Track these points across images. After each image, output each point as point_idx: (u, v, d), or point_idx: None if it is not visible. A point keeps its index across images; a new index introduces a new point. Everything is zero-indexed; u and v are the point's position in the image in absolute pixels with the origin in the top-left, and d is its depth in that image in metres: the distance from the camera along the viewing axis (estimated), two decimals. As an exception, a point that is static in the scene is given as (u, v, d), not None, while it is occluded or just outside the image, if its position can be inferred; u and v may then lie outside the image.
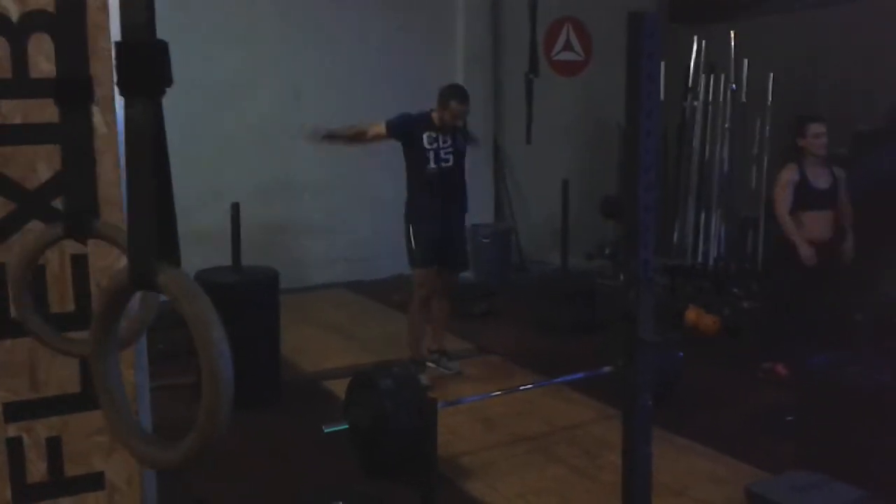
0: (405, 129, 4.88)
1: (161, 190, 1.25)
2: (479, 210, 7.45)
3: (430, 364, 5.13)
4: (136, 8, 1.14)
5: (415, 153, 4.88)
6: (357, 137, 5.08)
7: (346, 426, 3.72)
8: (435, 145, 4.84)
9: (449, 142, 4.87)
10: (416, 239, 4.91)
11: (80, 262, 2.10)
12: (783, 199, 5.06)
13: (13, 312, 1.61)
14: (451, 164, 4.88)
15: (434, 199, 4.87)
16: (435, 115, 4.90)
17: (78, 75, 1.40)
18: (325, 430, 3.69)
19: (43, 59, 2.03)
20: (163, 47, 1.16)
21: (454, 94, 4.87)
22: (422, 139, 4.84)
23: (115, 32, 2.06)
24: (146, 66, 1.15)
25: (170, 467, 1.18)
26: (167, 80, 1.17)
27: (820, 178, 5.08)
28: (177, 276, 1.15)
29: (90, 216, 1.50)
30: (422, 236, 4.88)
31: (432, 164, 4.85)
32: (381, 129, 4.94)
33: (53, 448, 2.10)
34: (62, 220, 1.50)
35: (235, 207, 4.78)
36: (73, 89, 1.46)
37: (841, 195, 5.09)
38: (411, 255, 4.98)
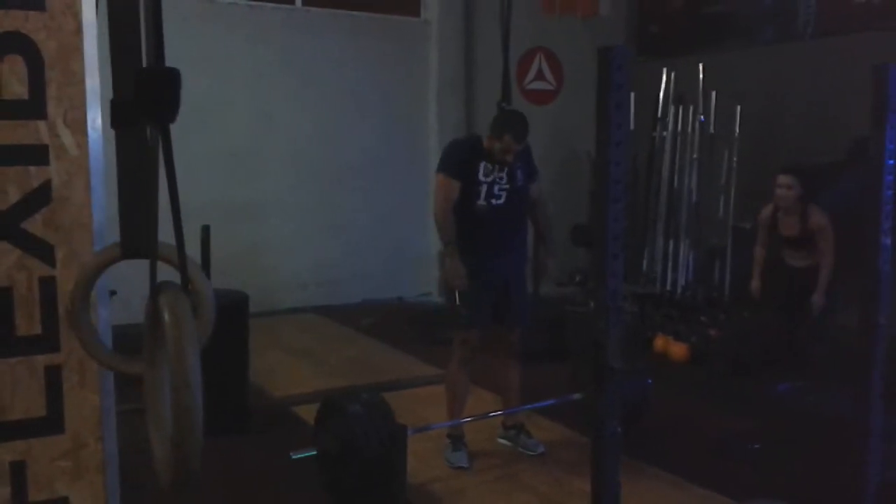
0: (463, 164, 4.08)
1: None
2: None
3: (504, 442, 4.46)
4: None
5: (464, 185, 4.08)
6: (447, 214, 4.08)
7: (315, 452, 3.69)
8: (490, 178, 4.08)
9: (504, 177, 4.10)
10: (461, 294, 4.12)
11: (47, 285, 2.09)
12: (759, 233, 5.49)
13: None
14: (502, 201, 4.08)
15: (482, 242, 4.10)
16: (487, 144, 4.15)
17: (131, 97, 1.36)
18: (293, 457, 3.66)
19: (16, 80, 2.02)
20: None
21: (512, 129, 4.05)
22: (478, 170, 4.07)
23: (90, 55, 2.07)
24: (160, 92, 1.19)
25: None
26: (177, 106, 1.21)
27: (787, 226, 5.27)
28: (173, 297, 1.18)
29: (150, 238, 1.48)
30: (469, 292, 4.09)
31: (481, 200, 4.06)
32: (442, 184, 4.10)
33: (17, 473, 2.07)
34: (120, 242, 1.51)
35: (206, 230, 4.75)
36: (128, 111, 1.42)
37: (818, 244, 5.17)
38: (455, 313, 4.21)
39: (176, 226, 1.25)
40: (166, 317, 1.16)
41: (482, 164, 4.08)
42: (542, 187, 4.41)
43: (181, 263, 1.28)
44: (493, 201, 4.09)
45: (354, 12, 8.01)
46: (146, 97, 1.16)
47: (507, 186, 4.12)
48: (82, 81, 2.08)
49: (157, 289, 1.21)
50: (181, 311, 1.16)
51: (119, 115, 1.37)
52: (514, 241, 4.25)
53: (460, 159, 4.11)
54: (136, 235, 1.44)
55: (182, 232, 1.29)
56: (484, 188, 4.07)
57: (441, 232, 4.13)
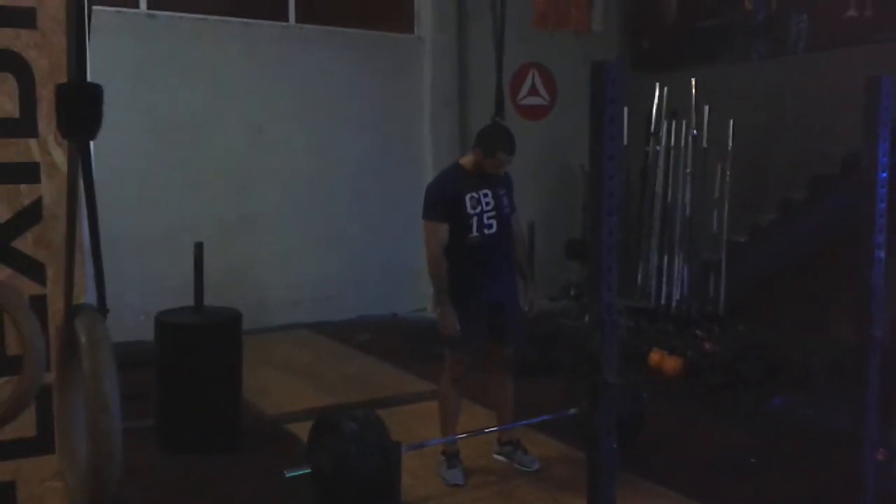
0: (448, 207, 4.07)
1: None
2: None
3: (500, 458, 4.43)
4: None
5: (454, 219, 4.08)
6: (439, 260, 4.07)
7: (309, 470, 3.67)
8: (478, 208, 4.07)
9: (491, 203, 4.11)
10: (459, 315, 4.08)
11: (38, 304, 2.07)
12: None
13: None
14: (494, 230, 4.10)
15: (476, 270, 4.11)
16: (467, 161, 4.19)
17: None
18: (287, 475, 3.63)
19: (6, 98, 2.02)
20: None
21: (503, 145, 4.06)
22: (464, 203, 4.06)
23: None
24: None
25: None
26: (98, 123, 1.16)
27: None
28: (89, 320, 1.13)
29: None
30: (463, 316, 4.08)
31: (474, 232, 4.07)
32: (429, 230, 4.09)
33: (7, 493, 2.05)
34: None
35: (199, 247, 4.73)
36: None
37: None
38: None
39: (94, 251, 1.21)
40: (83, 339, 1.12)
41: (468, 197, 4.07)
42: (519, 222, 4.43)
43: (99, 285, 1.24)
44: (486, 231, 4.10)
45: (348, 29, 8.03)
46: (67, 113, 1.14)
47: (495, 213, 4.13)
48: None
49: (72, 312, 1.17)
50: (98, 334, 1.12)
51: None
52: (505, 263, 4.27)
53: (443, 200, 4.09)
54: None
55: (100, 256, 1.24)
56: (475, 220, 4.07)
57: (433, 280, 4.13)
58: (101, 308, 1.22)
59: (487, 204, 4.11)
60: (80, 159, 1.15)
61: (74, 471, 1.21)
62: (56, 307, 2.06)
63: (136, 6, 7.04)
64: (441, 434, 4.30)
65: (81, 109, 1.14)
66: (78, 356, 1.16)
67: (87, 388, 1.07)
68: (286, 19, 7.81)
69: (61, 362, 1.25)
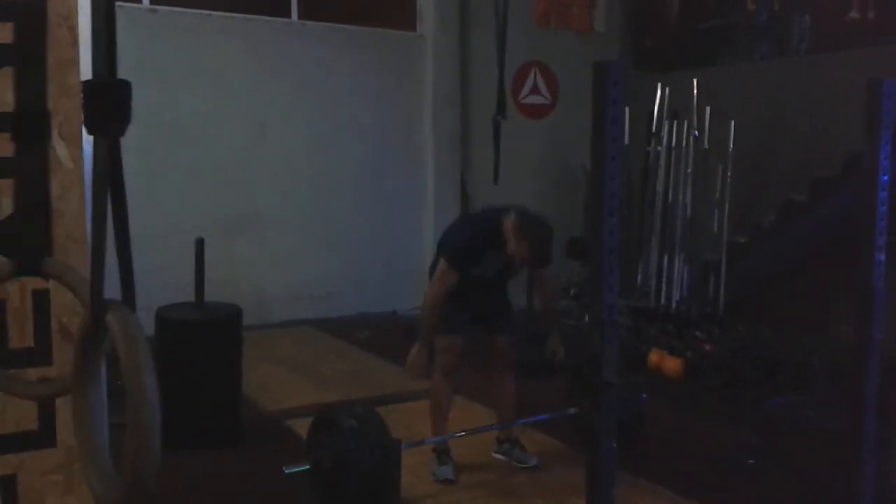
0: (468, 261, 4.07)
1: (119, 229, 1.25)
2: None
3: (499, 456, 4.43)
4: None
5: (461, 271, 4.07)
6: (437, 305, 4.07)
7: (308, 467, 3.67)
8: (484, 274, 4.10)
9: (499, 276, 4.18)
10: (442, 306, 4.12)
11: (41, 298, 2.08)
12: None
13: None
14: (490, 275, 4.15)
15: (464, 298, 4.11)
16: (507, 228, 3.98)
17: (37, 109, 1.35)
18: (286, 471, 3.64)
19: (5, 92, 2.02)
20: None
21: (533, 244, 3.97)
22: (480, 260, 4.06)
23: (87, 67, 2.06)
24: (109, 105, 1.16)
25: None
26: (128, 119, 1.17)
27: None
28: (122, 315, 1.13)
29: (42, 254, 1.45)
30: (449, 308, 4.10)
31: (466, 280, 4.06)
32: (443, 273, 4.04)
33: (8, 487, 2.05)
34: (14, 257, 1.46)
35: (200, 243, 4.73)
36: (31, 123, 1.40)
37: None
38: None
39: (122, 250, 1.21)
40: (119, 333, 1.12)
41: (486, 254, 4.06)
42: (548, 275, 4.44)
43: (127, 283, 1.24)
44: (480, 283, 4.14)
45: (350, 26, 8.04)
46: (96, 110, 1.14)
47: (495, 281, 4.21)
48: (78, 94, 2.08)
49: (103, 308, 1.16)
50: (134, 329, 1.12)
51: (26, 129, 1.35)
52: (497, 310, 4.32)
53: (467, 259, 4.07)
54: (31, 252, 1.40)
55: (129, 248, 1.24)
56: (476, 269, 4.09)
57: (423, 322, 4.15)
58: (130, 304, 1.22)
59: (497, 273, 4.16)
60: (110, 157, 1.16)
61: (99, 471, 1.20)
62: (59, 301, 2.07)
63: (139, 1, 7.05)
64: (430, 427, 4.30)
65: (111, 106, 1.14)
66: (99, 353, 1.16)
67: (127, 383, 1.07)
68: (289, 16, 7.82)
69: (81, 360, 1.25)
